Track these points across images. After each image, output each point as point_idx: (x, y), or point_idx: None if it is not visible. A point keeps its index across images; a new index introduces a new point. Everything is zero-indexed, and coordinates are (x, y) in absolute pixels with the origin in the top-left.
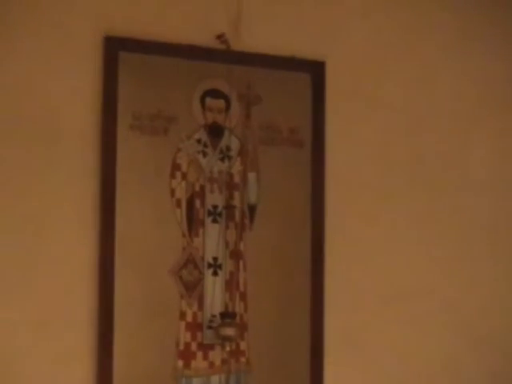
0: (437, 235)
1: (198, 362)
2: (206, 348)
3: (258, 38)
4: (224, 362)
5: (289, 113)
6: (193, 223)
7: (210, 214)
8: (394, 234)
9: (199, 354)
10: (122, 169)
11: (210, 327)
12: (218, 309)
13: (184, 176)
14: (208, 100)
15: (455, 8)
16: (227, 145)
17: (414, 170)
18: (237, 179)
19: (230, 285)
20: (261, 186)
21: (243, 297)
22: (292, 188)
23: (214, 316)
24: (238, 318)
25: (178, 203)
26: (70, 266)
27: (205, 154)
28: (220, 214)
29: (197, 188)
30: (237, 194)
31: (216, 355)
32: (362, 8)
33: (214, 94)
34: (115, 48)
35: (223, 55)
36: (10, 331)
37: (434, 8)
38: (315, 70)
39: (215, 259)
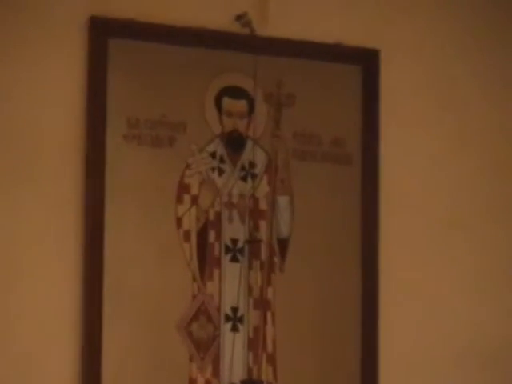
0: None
1: None
2: None
3: (290, 20)
4: None
5: (332, 118)
6: (206, 263)
7: (228, 250)
8: (459, 272)
9: None
10: (113, 191)
11: None
12: (238, 375)
13: (194, 200)
14: (226, 101)
15: None
16: (250, 160)
17: (493, 191)
18: (263, 205)
19: (255, 344)
20: (295, 214)
21: (271, 360)
22: (336, 216)
23: None
24: None
25: (187, 236)
26: (47, 323)
27: (221, 172)
28: (241, 251)
29: (211, 216)
30: (263, 225)
31: None
32: None
33: (234, 93)
34: (104, 33)
35: (245, 42)
36: None
37: None
38: (367, 61)
39: (235, 310)
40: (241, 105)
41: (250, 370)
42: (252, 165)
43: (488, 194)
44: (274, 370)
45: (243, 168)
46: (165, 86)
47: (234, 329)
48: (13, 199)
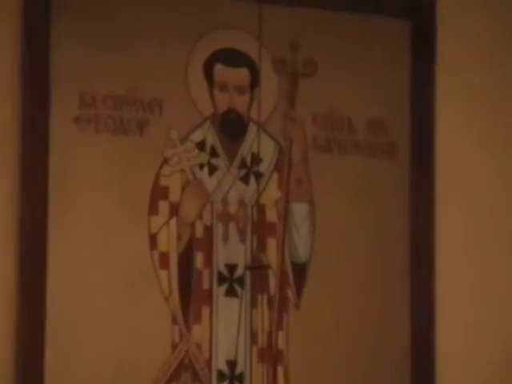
0: None
1: None
2: None
3: None
4: None
5: (368, 93)
6: (191, 298)
7: (222, 280)
8: None
9: None
10: (60, 196)
11: None
12: None
13: (174, 210)
14: (219, 69)
15: None
16: (254, 152)
17: None
18: (272, 216)
19: None
20: (317, 229)
21: None
22: (375, 230)
23: None
24: None
25: (164, 260)
26: None
27: (213, 170)
28: (241, 281)
29: (198, 232)
30: (272, 244)
31: None
32: None
33: (230, 57)
34: None
35: None
36: None
37: None
38: (419, 14)
39: (232, 365)
40: (240, 74)
41: None
42: (256, 159)
43: None
44: None
45: (244, 164)
46: (131, 49)
47: None
48: None
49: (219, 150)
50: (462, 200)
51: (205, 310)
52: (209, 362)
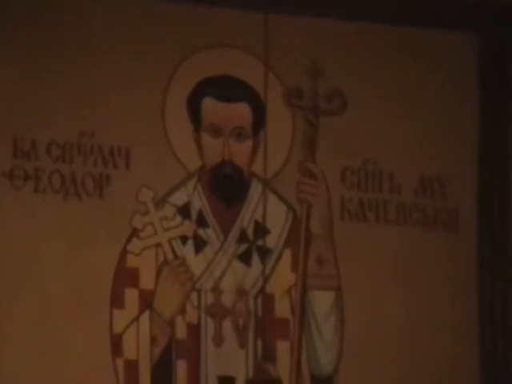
0: None
1: None
2: None
3: None
4: None
5: (419, 139)
6: None
7: None
8: None
9: None
10: None
11: None
12: None
13: (147, 301)
14: (209, 105)
15: None
16: (258, 220)
17: None
18: (284, 309)
19: None
20: (347, 327)
21: None
22: (431, 329)
23: None
24: None
25: (132, 373)
26: None
27: (201, 245)
28: None
29: (180, 333)
30: (284, 349)
31: None
32: None
33: (224, 88)
34: None
35: None
36: None
37: None
38: (489, 26)
39: None
40: (239, 112)
41: None
42: (261, 230)
43: None
44: None
45: (244, 237)
46: (88, 77)
47: None
48: None
49: (209, 217)
50: None
51: None
52: None
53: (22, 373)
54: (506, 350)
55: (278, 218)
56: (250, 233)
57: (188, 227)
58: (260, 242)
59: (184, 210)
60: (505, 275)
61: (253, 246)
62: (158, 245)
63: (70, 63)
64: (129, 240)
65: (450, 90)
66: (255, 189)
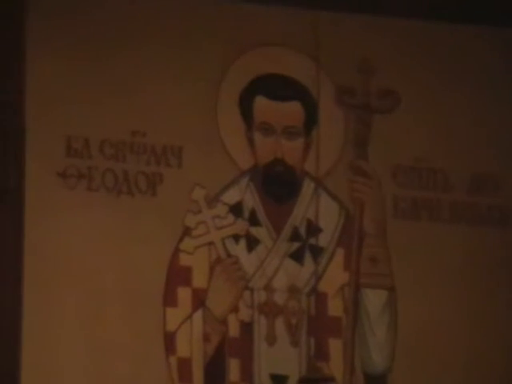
0: None
1: None
2: None
3: None
4: None
5: (472, 137)
6: None
7: None
8: None
9: None
10: (37, 278)
11: None
12: None
13: (199, 300)
14: (261, 103)
15: None
16: (310, 219)
17: None
18: (336, 307)
19: None
20: (400, 325)
21: None
22: (483, 324)
23: None
24: None
25: (185, 370)
26: None
27: (253, 243)
28: None
29: (233, 331)
30: (337, 347)
31: None
32: None
33: (277, 86)
34: None
35: None
36: None
37: None
38: None
39: None
40: (291, 110)
41: None
42: (314, 229)
43: None
44: None
45: (296, 235)
46: (141, 76)
47: None
48: None
49: (262, 215)
50: None
51: None
52: None
53: (73, 366)
54: None
55: (330, 217)
56: (302, 231)
57: (241, 226)
58: (312, 241)
59: (236, 209)
60: None
61: (305, 245)
62: (210, 243)
63: (123, 63)
64: (181, 239)
65: (503, 88)
66: (307, 187)
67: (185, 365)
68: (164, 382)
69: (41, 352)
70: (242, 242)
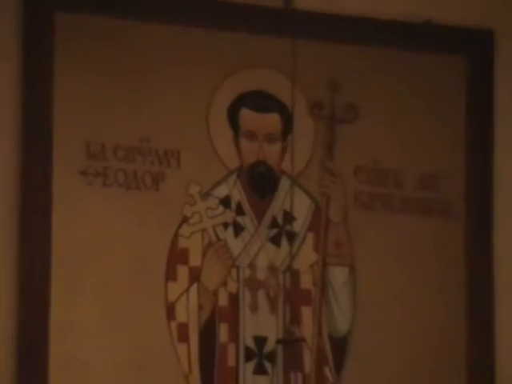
0: None
1: None
2: None
3: None
4: None
5: (417, 142)
6: (214, 376)
7: (250, 355)
8: None
9: None
10: (63, 259)
11: None
12: None
13: (195, 276)
14: (246, 115)
15: None
16: (286, 210)
17: None
18: (307, 282)
19: None
20: (359, 297)
21: None
22: (425, 299)
23: None
24: None
25: (183, 333)
26: None
27: (239, 230)
28: (272, 357)
29: (222, 301)
30: (307, 314)
31: None
32: None
33: (259, 101)
34: (47, 6)
35: (278, 19)
36: None
37: None
38: (474, 49)
39: None
40: (270, 121)
41: None
42: (289, 218)
43: None
44: None
45: (274, 223)
46: (145, 92)
47: None
48: None
49: (246, 207)
50: None
51: None
52: None
53: (90, 326)
54: (488, 310)
55: (302, 208)
56: (279, 220)
57: (229, 215)
58: (288, 228)
59: (225, 201)
60: (486, 249)
61: (282, 231)
62: (203, 229)
63: (134, 82)
64: (180, 226)
65: (444, 103)
66: (284, 184)
67: (183, 328)
68: (166, 342)
69: (66, 312)
70: (230, 229)
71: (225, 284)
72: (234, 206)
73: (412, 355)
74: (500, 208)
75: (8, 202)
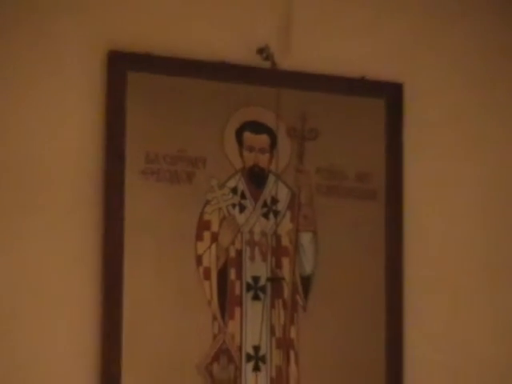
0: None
1: None
2: None
3: (312, 54)
4: None
5: (356, 152)
6: (227, 301)
7: (249, 288)
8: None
9: None
10: (132, 228)
11: None
12: None
13: (215, 238)
14: (247, 135)
15: None
16: (273, 196)
17: None
18: (286, 242)
19: None
20: (319, 251)
21: None
22: (361, 253)
23: None
24: None
25: (207, 274)
26: (65, 367)
27: (242, 209)
28: (263, 289)
29: (232, 253)
30: (286, 262)
31: None
32: (448, 17)
33: (255, 127)
34: (122, 66)
35: (267, 76)
36: None
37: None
38: (390, 95)
39: (257, 349)
40: (262, 139)
41: None
42: (274, 201)
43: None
44: None
45: (265, 204)
46: (184, 120)
47: (256, 368)
48: (33, 245)
49: (247, 194)
50: (425, 231)
51: (237, 310)
52: (240, 348)
53: (148, 272)
54: (398, 261)
55: (283, 195)
56: (268, 202)
57: (236, 199)
58: (274, 207)
59: (234, 190)
60: (399, 222)
61: (270, 210)
62: (220, 208)
63: (176, 118)
64: (204, 206)
65: (371, 128)
66: (271, 179)
67: (207, 271)
68: (196, 280)
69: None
70: (237, 208)
71: (233, 243)
72: (239, 193)
73: (353, 291)
74: (407, 195)
75: (95, 197)
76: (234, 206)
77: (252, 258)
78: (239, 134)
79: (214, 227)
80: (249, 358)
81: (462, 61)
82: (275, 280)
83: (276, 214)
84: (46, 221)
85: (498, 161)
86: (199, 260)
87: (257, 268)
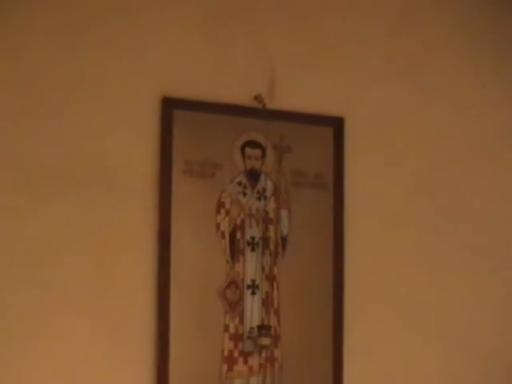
0: (441, 264)
1: (239, 366)
2: (245, 355)
3: (289, 98)
4: (261, 366)
5: (314, 160)
6: (235, 252)
7: (248, 243)
8: (404, 260)
9: (240, 360)
10: (177, 208)
11: (249, 337)
12: (255, 322)
13: (227, 212)
14: (247, 150)
15: (463, 76)
16: (263, 187)
17: (422, 207)
18: (271, 215)
19: (266, 302)
20: (291, 221)
21: (277, 312)
22: (317, 223)
23: (252, 328)
24: (272, 330)
25: (223, 235)
26: (131, 290)
27: (244, 194)
28: (257, 244)
29: (238, 222)
30: (271, 228)
31: (254, 361)
32: (376, 73)
33: (252, 144)
34: (171, 107)
35: (260, 112)
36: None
37: (441, 78)
38: (336, 125)
39: (253, 281)
40: (257, 152)
41: (263, 319)
42: (264, 190)
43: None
44: (278, 319)
45: (258, 192)
46: (209, 140)
47: (253, 293)
48: (109, 212)
49: (247, 186)
50: (361, 208)
51: (241, 258)
52: (243, 280)
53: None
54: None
55: (269, 186)
56: (260, 191)
57: (241, 189)
58: (264, 194)
59: (239, 183)
60: (340, 206)
61: (261, 196)
62: (230, 194)
63: (202, 140)
64: (222, 193)
65: (320, 148)
66: (262, 177)
67: (223, 233)
68: (216, 238)
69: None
70: (241, 194)
71: (239, 216)
72: (243, 185)
73: (313, 241)
74: (347, 187)
75: (153, 188)
76: (239, 193)
77: (250, 225)
78: (242, 149)
79: (227, 206)
80: (248, 286)
81: (392, 102)
82: (265, 238)
83: (265, 198)
84: (118, 206)
85: (423, 163)
86: (218, 226)
87: (253, 231)
